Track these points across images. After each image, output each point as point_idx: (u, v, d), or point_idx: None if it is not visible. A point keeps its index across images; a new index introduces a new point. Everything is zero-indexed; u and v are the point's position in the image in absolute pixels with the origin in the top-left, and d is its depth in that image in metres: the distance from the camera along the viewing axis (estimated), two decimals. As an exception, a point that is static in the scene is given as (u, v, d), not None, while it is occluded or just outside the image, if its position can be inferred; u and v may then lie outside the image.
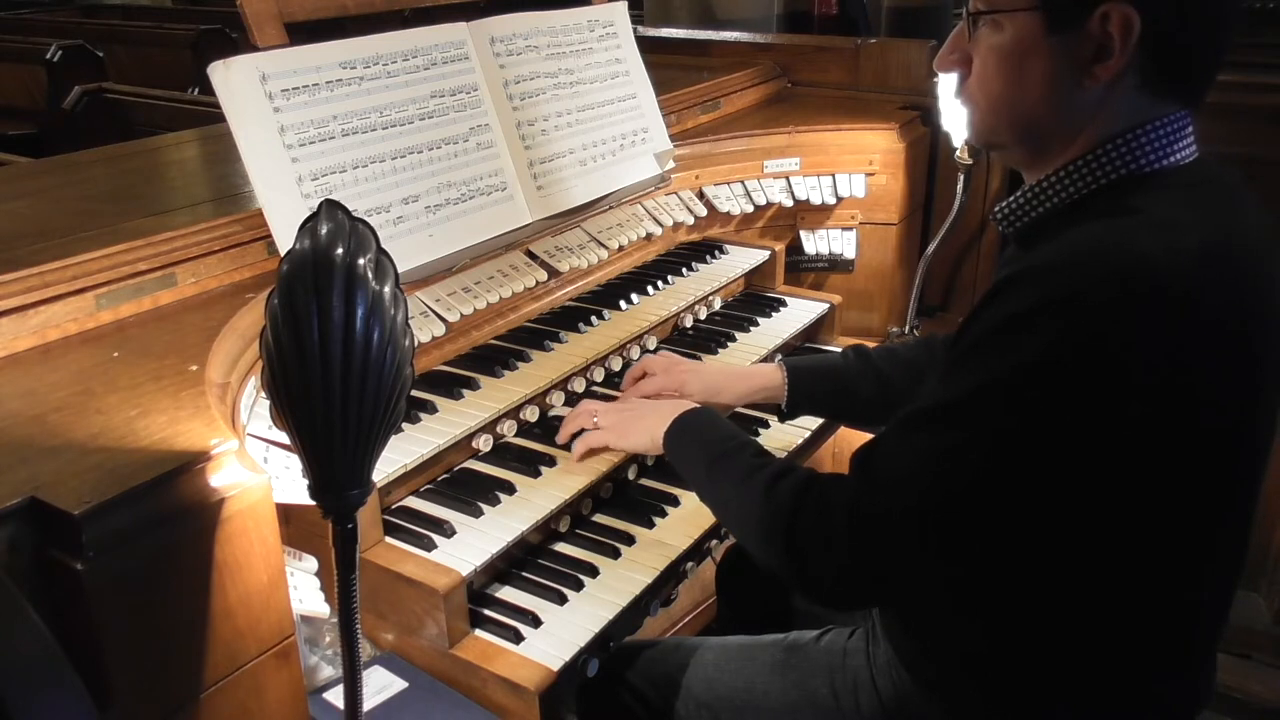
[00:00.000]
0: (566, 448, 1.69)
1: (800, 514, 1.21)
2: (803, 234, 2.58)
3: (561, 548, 1.64)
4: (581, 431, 1.67)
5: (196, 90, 4.74)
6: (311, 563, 1.44)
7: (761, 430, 1.94)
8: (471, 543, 1.51)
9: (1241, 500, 1.21)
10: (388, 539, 1.52)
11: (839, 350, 1.81)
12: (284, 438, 0.93)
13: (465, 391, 1.72)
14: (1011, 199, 1.23)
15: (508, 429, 1.75)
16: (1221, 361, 1.08)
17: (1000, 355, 1.07)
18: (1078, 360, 1.03)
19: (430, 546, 1.49)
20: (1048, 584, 1.19)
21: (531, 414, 1.78)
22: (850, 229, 2.56)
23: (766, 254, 2.38)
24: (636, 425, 1.59)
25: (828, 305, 2.33)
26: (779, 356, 1.84)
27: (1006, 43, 1.16)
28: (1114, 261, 1.04)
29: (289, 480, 1.28)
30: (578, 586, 1.53)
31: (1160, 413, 1.06)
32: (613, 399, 1.85)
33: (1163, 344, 1.03)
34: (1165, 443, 1.08)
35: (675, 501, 1.71)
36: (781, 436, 1.93)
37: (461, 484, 1.65)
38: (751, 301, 2.35)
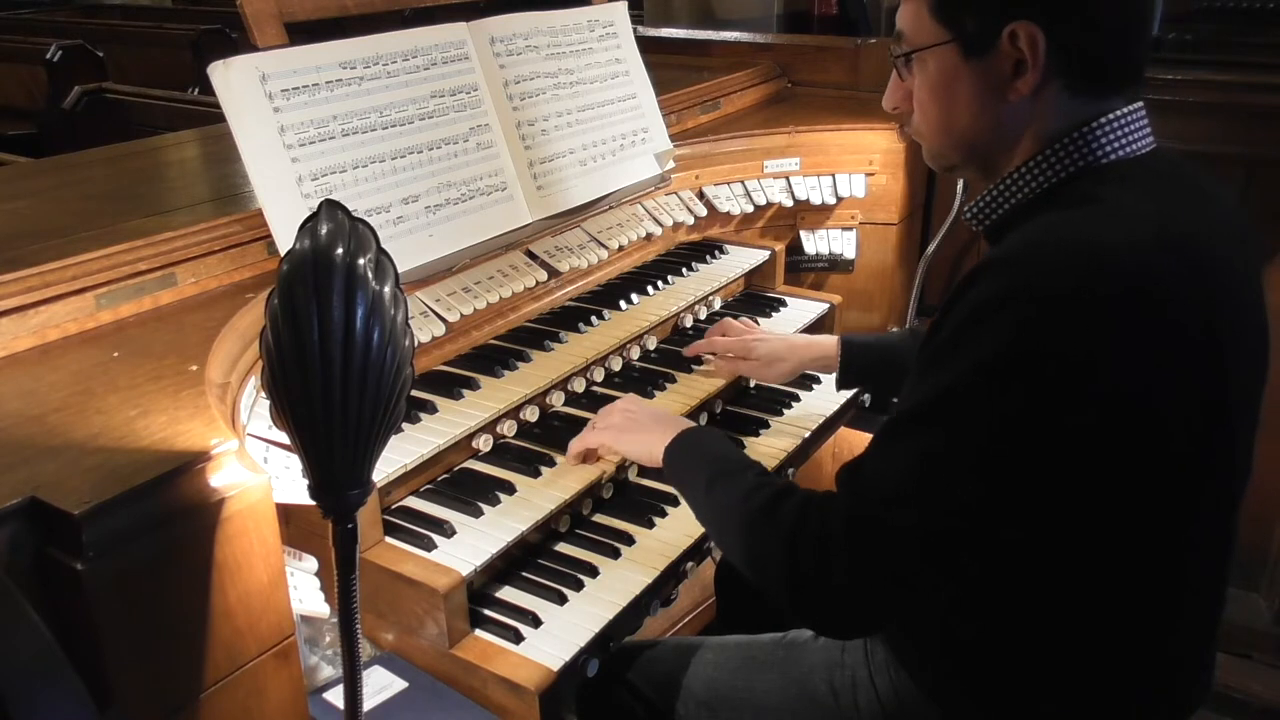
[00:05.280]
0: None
1: (799, 536, 1.20)
2: (803, 234, 2.58)
3: (561, 548, 1.64)
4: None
5: (196, 90, 4.74)
6: (311, 563, 1.44)
7: (762, 430, 1.94)
8: (471, 543, 1.51)
9: (1222, 492, 1.22)
10: (388, 539, 1.52)
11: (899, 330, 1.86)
12: (284, 438, 0.93)
13: (465, 391, 1.72)
14: (979, 198, 1.28)
15: (508, 429, 1.75)
16: (1183, 347, 1.09)
17: (965, 351, 1.08)
18: (1039, 350, 1.04)
19: (430, 546, 1.49)
20: (1034, 581, 1.19)
21: (531, 414, 1.78)
22: (850, 229, 2.56)
23: (766, 254, 2.38)
24: (635, 434, 1.58)
25: (828, 305, 2.33)
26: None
27: (933, 76, 1.24)
28: (1071, 251, 1.07)
29: (289, 480, 1.28)
30: (578, 586, 1.53)
31: (1125, 400, 1.06)
32: (612, 400, 1.85)
33: (1122, 332, 1.04)
34: (1132, 430, 1.08)
35: (675, 501, 1.71)
36: (781, 437, 1.93)
37: (461, 484, 1.65)
38: (751, 301, 2.35)
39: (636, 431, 1.59)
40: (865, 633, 1.41)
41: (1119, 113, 1.18)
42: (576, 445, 1.66)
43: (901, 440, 1.14)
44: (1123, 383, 1.05)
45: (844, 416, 2.06)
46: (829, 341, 1.89)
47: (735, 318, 2.09)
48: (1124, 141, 1.18)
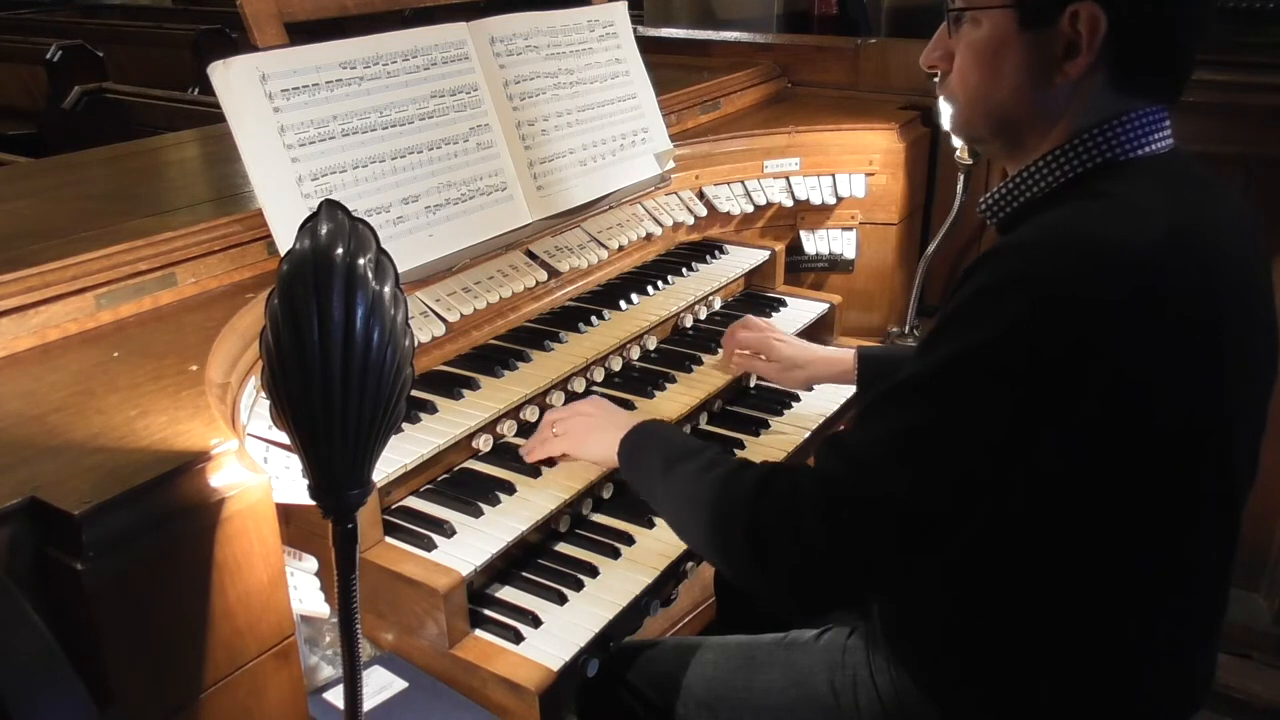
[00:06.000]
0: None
1: (764, 500, 1.19)
2: (803, 234, 2.58)
3: (561, 548, 1.64)
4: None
5: (196, 90, 4.74)
6: (311, 563, 1.44)
7: (762, 431, 1.94)
8: (471, 543, 1.51)
9: (1222, 493, 1.21)
10: (388, 539, 1.52)
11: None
12: (284, 438, 0.93)
13: (465, 391, 1.72)
14: (995, 190, 1.27)
15: (508, 429, 1.75)
16: (1183, 347, 1.09)
17: (961, 333, 1.09)
18: (1033, 343, 1.05)
19: (430, 546, 1.49)
20: (1032, 580, 1.19)
21: (531, 414, 1.78)
22: (850, 229, 2.56)
23: (766, 254, 2.38)
24: (592, 436, 1.59)
25: (828, 305, 2.33)
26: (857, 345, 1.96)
27: (983, 38, 1.21)
28: (1075, 246, 1.07)
29: (289, 480, 1.28)
30: (578, 586, 1.53)
31: (1118, 398, 1.06)
32: (612, 400, 1.85)
33: (1120, 331, 1.04)
34: (1125, 428, 1.08)
35: (675, 501, 1.71)
36: (781, 436, 1.93)
37: (461, 484, 1.65)
38: (751, 301, 2.35)
39: (593, 434, 1.59)
40: (831, 604, 1.38)
41: (1144, 110, 1.17)
42: (538, 453, 1.66)
43: (886, 412, 1.14)
44: (1117, 381, 1.05)
45: (844, 416, 2.06)
46: (846, 356, 1.88)
47: (758, 316, 2.09)
48: (1146, 140, 1.17)
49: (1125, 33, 1.13)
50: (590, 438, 1.60)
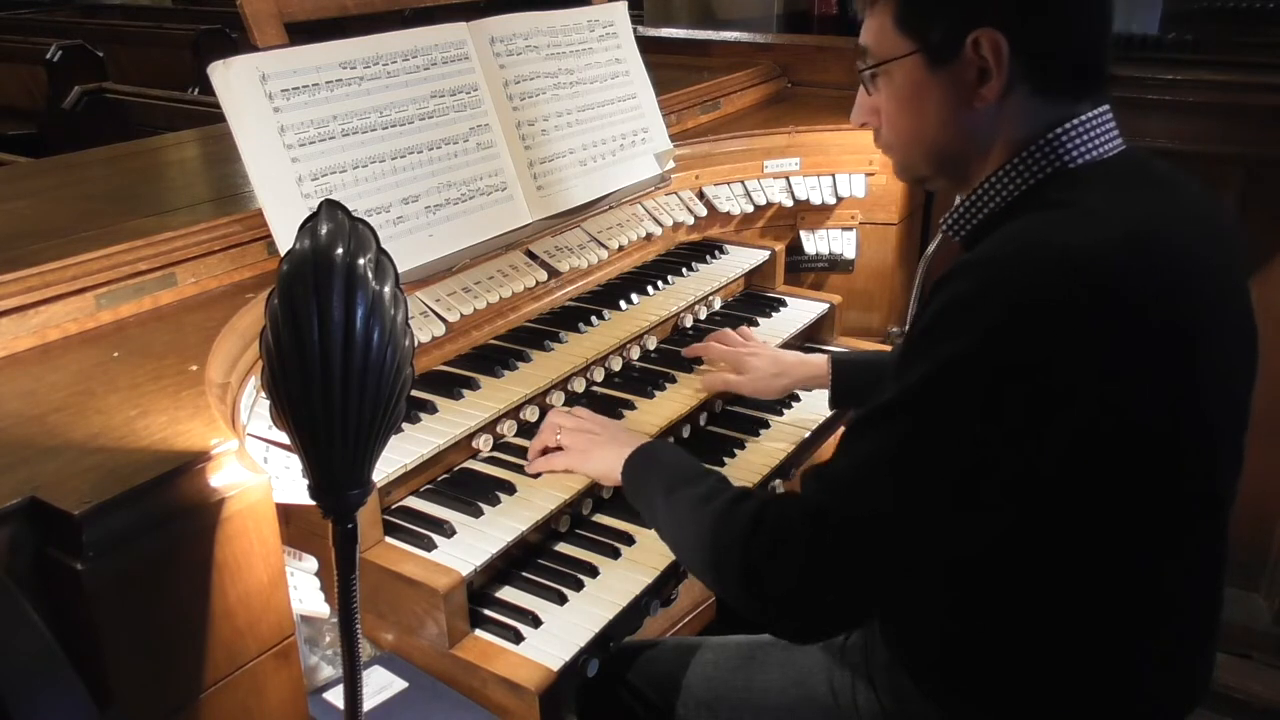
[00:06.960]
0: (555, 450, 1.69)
1: (757, 529, 1.19)
2: (803, 234, 2.58)
3: (561, 548, 1.64)
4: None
5: (196, 90, 4.75)
6: (311, 563, 1.44)
7: (762, 431, 1.94)
8: (471, 543, 1.51)
9: (1206, 491, 1.21)
10: (388, 539, 1.52)
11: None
12: (284, 438, 0.93)
13: (465, 391, 1.72)
14: (954, 208, 1.29)
15: (508, 429, 1.75)
16: (1152, 349, 1.08)
17: (933, 350, 1.10)
18: (1005, 353, 1.05)
19: (430, 546, 1.49)
20: (1025, 581, 1.19)
21: (531, 414, 1.78)
22: (850, 229, 2.56)
23: (766, 254, 2.38)
24: (596, 452, 1.60)
25: (828, 305, 2.33)
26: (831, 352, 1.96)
27: (900, 88, 1.25)
28: (1039, 255, 1.08)
29: (289, 480, 1.28)
30: (578, 586, 1.53)
31: (1092, 402, 1.06)
32: (612, 399, 1.86)
33: (1088, 336, 1.04)
34: (1100, 432, 1.08)
35: (675, 501, 1.71)
36: (780, 439, 1.93)
37: (461, 484, 1.65)
38: (751, 301, 2.35)
39: (595, 450, 1.60)
40: (823, 634, 1.32)
41: (1085, 116, 1.19)
42: (540, 465, 1.66)
43: (864, 435, 1.15)
44: (1096, 384, 1.05)
45: (843, 417, 2.06)
46: (820, 360, 1.90)
47: (735, 326, 2.09)
48: (1092, 145, 1.19)
49: (1028, 46, 1.16)
50: (594, 454, 1.60)
